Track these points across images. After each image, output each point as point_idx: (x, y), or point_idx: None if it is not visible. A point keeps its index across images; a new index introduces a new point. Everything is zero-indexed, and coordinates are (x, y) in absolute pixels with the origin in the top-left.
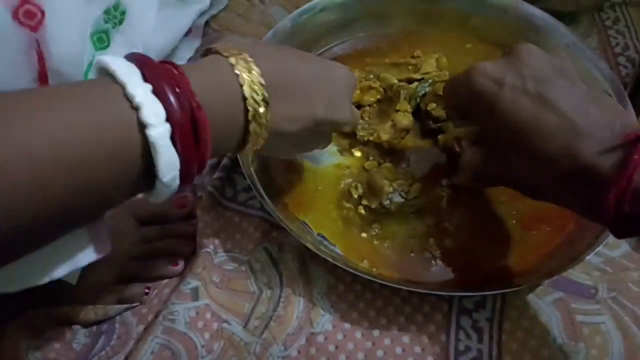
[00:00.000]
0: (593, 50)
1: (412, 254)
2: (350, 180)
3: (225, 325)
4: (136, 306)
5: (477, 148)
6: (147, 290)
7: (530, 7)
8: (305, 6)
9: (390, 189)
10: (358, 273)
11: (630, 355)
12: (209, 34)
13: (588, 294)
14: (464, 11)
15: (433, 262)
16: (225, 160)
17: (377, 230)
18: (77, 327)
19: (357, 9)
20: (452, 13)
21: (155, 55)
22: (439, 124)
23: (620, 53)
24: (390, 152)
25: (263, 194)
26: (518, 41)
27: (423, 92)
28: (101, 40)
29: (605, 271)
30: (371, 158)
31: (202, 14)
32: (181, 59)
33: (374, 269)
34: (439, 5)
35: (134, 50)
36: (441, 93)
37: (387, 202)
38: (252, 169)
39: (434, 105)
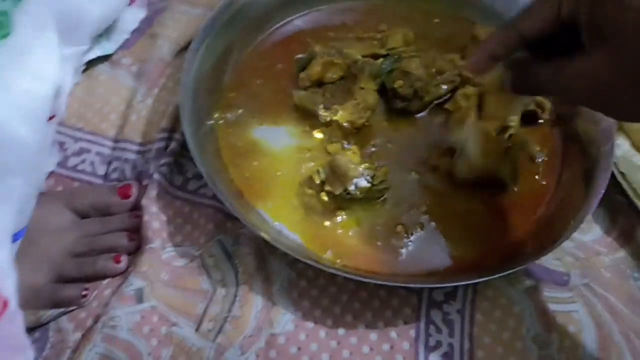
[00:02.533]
0: None
1: (378, 243)
2: (312, 164)
3: (174, 329)
4: (72, 310)
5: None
6: (85, 292)
7: None
8: None
9: (356, 173)
10: (321, 266)
11: (603, 345)
12: (154, 4)
13: (561, 281)
14: None
15: (401, 251)
16: (173, 144)
17: (341, 218)
18: None
19: None
20: None
21: (92, 28)
22: (406, 103)
23: None
24: (354, 134)
25: (215, 181)
26: (487, 17)
27: (389, 68)
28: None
29: (578, 257)
30: (334, 140)
31: None
32: (124, 31)
33: (338, 260)
34: None
35: (45, 34)
36: (408, 69)
37: (352, 187)
38: (202, 154)
39: (400, 82)
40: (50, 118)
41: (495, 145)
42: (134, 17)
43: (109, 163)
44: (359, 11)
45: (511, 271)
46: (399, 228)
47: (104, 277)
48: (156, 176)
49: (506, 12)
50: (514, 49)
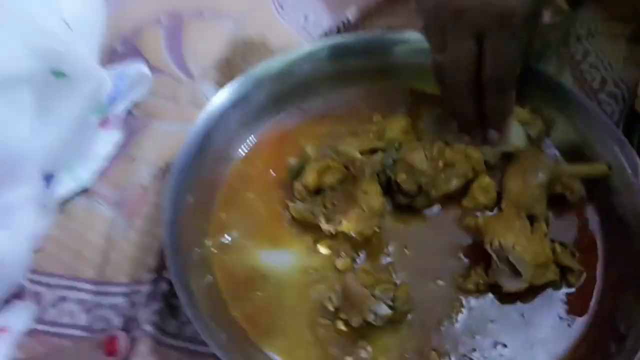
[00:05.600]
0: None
1: None
2: (322, 286)
3: None
4: None
5: None
6: None
7: None
8: (239, 79)
9: (372, 302)
10: None
11: None
12: (131, 124)
13: None
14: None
15: None
16: (163, 285)
17: (366, 350)
18: None
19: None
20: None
21: (36, 166)
22: (410, 199)
23: (599, 89)
24: (364, 244)
25: (211, 324)
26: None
27: (391, 161)
28: None
29: None
30: (342, 254)
31: (116, 101)
32: (99, 156)
33: None
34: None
35: None
36: (411, 162)
37: (372, 316)
38: (194, 290)
39: (404, 176)
40: None
41: (543, 250)
42: (108, 140)
43: (90, 311)
44: (351, 99)
45: None
46: (433, 355)
47: None
48: (146, 327)
49: None
50: None
